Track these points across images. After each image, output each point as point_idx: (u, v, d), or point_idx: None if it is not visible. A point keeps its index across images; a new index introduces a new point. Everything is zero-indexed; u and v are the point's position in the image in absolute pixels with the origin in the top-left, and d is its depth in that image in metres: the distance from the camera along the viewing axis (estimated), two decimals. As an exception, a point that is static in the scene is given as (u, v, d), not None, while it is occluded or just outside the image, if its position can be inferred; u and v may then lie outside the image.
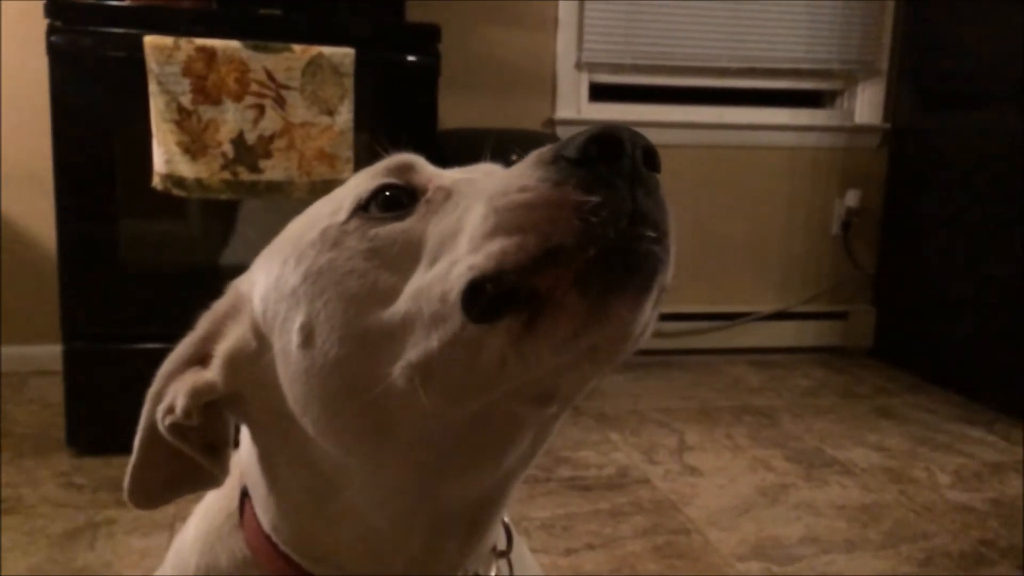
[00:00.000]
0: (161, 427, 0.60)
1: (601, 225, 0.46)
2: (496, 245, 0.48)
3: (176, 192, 1.99)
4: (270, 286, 0.58)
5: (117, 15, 2.07)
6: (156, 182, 1.99)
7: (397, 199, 0.56)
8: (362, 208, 0.56)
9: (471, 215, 0.51)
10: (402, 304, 0.52)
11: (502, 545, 0.66)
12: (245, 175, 2.01)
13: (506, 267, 0.47)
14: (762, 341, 3.37)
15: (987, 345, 2.87)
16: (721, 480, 2.19)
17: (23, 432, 2.29)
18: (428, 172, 0.59)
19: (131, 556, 1.71)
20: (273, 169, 2.02)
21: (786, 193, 3.40)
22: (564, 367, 0.50)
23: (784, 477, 2.22)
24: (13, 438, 2.25)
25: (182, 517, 1.93)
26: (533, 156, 0.51)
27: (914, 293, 3.25)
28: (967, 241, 2.98)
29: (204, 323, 0.63)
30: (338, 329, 0.53)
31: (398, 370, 0.51)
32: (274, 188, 2.03)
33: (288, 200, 2.07)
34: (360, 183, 0.58)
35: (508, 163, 0.64)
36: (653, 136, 0.51)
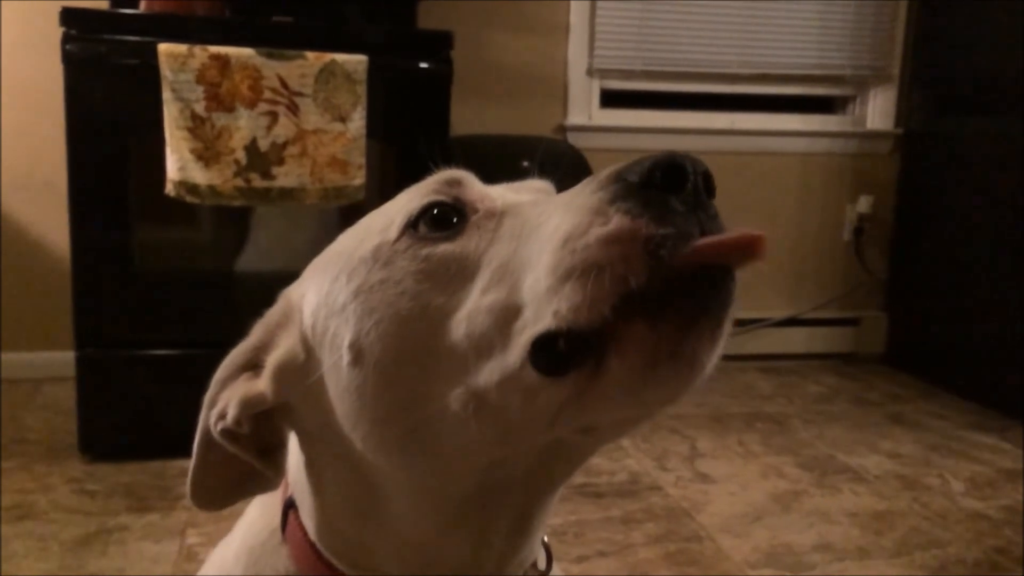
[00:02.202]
0: (214, 432, 0.61)
1: (670, 257, 0.46)
2: (573, 292, 0.46)
3: (189, 199, 2.00)
4: (320, 301, 0.59)
5: (131, 23, 2.08)
6: (169, 189, 2.00)
7: (446, 217, 0.56)
8: (412, 226, 0.56)
9: (544, 247, 0.50)
10: (457, 330, 0.52)
11: (542, 564, 0.67)
12: (258, 182, 2.02)
13: (582, 323, 0.46)
14: (774, 347, 3.36)
15: (1000, 351, 2.86)
16: (733, 487, 2.18)
17: (36, 438, 2.30)
18: (477, 189, 0.58)
19: (143, 563, 1.72)
20: (286, 176, 2.03)
21: (798, 199, 3.39)
22: (626, 407, 0.50)
23: (796, 484, 2.21)
24: (26, 444, 2.26)
25: (193, 524, 1.94)
26: (594, 183, 0.50)
27: (926, 299, 3.24)
28: (980, 247, 2.97)
29: (257, 331, 0.63)
30: (389, 350, 0.53)
31: (454, 394, 0.51)
32: (286, 195, 2.04)
33: (300, 207, 2.07)
34: (411, 199, 0.58)
35: (552, 178, 0.64)
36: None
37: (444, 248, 0.54)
